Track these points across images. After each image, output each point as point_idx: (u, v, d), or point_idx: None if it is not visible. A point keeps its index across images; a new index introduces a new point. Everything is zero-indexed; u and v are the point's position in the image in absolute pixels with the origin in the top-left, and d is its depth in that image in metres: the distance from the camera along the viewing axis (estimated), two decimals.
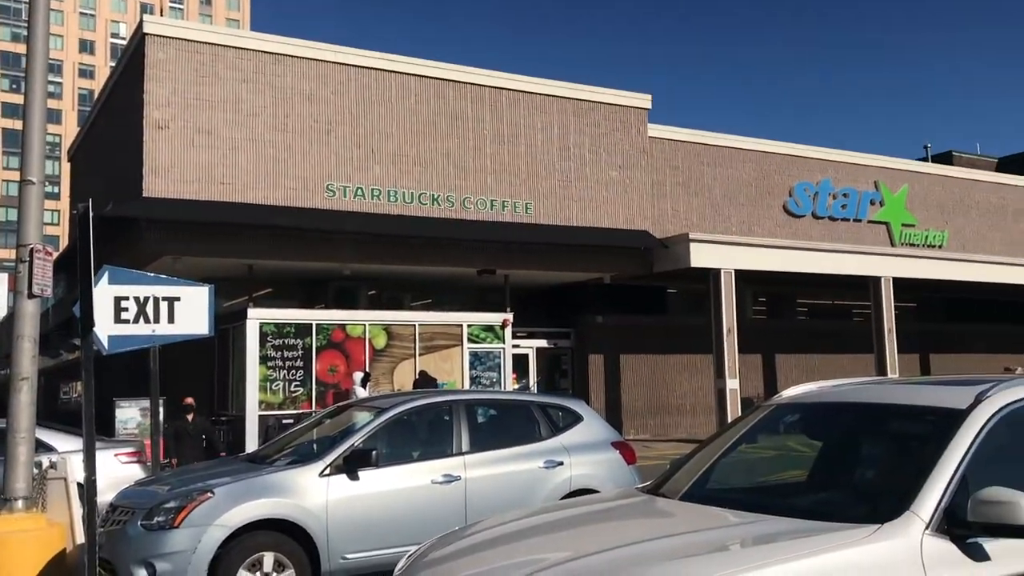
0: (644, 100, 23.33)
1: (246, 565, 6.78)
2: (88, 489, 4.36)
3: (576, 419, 8.82)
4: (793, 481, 5.11)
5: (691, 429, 24.62)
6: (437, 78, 20.34)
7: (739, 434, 4.89)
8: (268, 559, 6.87)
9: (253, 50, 18.38)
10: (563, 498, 7.80)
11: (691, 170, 24.49)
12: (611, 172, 22.40)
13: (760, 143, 25.90)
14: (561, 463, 8.29)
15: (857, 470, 4.66)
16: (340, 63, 19.22)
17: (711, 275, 21.87)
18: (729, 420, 19.12)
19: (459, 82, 20.61)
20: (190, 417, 12.84)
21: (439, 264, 19.74)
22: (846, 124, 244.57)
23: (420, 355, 20.03)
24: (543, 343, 24.07)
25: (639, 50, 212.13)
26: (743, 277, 22.60)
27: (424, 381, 16.92)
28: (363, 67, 19.48)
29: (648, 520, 4.39)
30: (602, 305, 24.25)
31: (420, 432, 8.51)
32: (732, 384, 21.53)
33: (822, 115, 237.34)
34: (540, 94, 21.65)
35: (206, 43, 17.91)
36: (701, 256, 21.44)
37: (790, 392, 4.99)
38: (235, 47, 18.27)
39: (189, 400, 12.52)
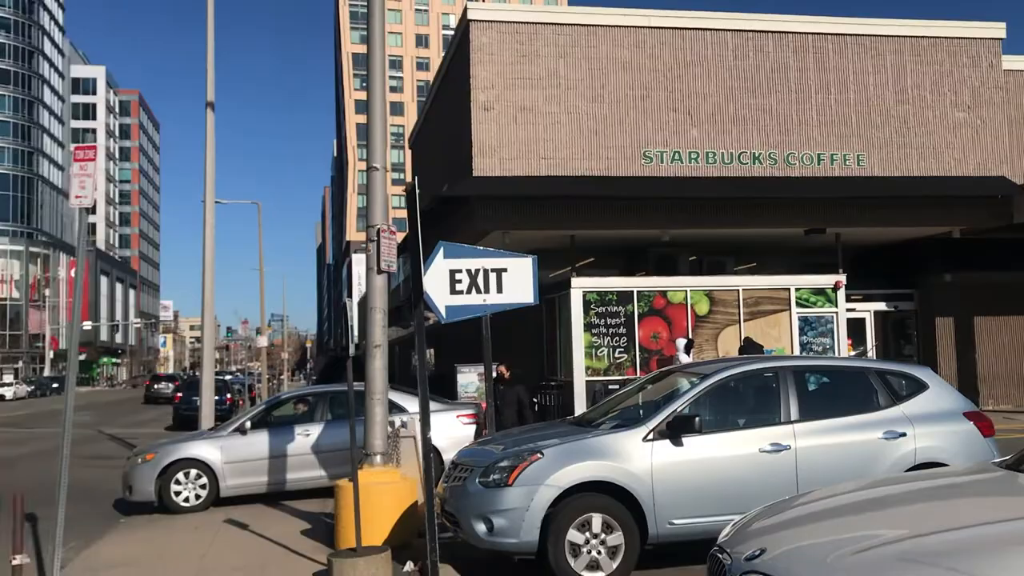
0: (997, 29, 20.64)
1: (575, 525, 6.98)
2: (423, 446, 4.68)
3: (920, 387, 8.06)
4: None
5: None
6: (756, 31, 19.51)
7: None
8: (596, 520, 7.03)
9: (569, 24, 18.81)
10: (906, 471, 7.18)
11: None
12: (957, 113, 20.13)
13: None
14: (904, 434, 7.62)
15: None
16: (654, 27, 19.09)
17: None
18: None
19: (779, 32, 19.61)
20: (505, 385, 13.26)
21: (763, 226, 18.99)
22: None
23: (745, 321, 19.46)
24: (881, 306, 22.34)
25: None
26: None
27: (750, 347, 16.40)
28: (678, 28, 19.19)
29: (1006, 499, 3.87)
30: (950, 262, 21.96)
31: (745, 399, 8.24)
32: None
33: None
34: (870, 35, 19.97)
35: (525, 23, 18.63)
36: None
37: None
38: (552, 23, 18.81)
39: (501, 368, 12.93)
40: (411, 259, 5.36)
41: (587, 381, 18.53)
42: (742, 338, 18.47)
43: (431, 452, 5.53)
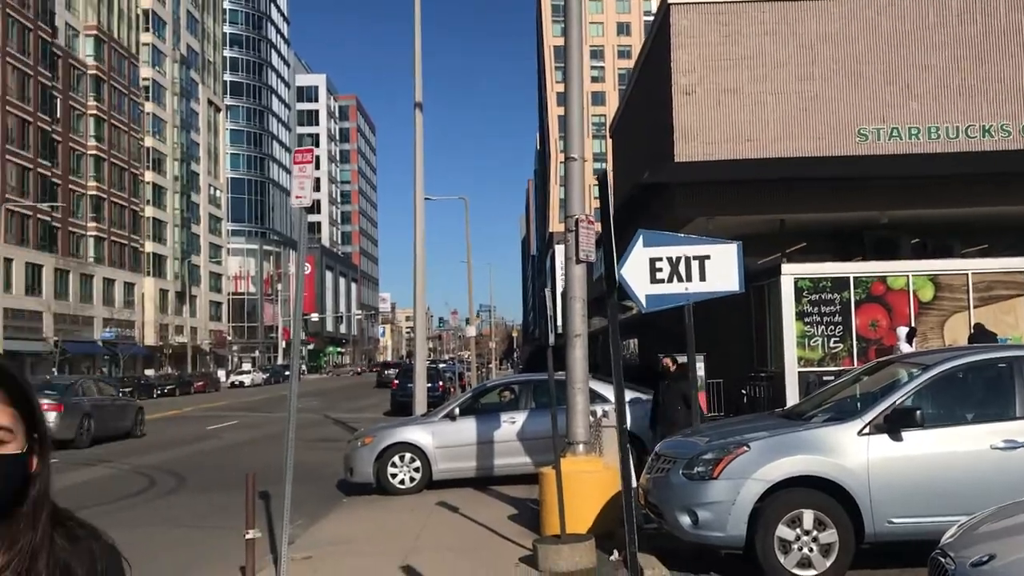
0: None
1: (785, 520, 6.71)
2: (620, 436, 4.65)
3: None
4: None
5: None
6: None
7: None
8: (808, 517, 6.72)
9: (774, 1, 18.05)
10: None
11: None
12: None
13: None
14: None
15: None
16: None
17: None
18: None
19: None
20: (671, 379, 12.18)
21: (996, 204, 17.42)
22: None
23: (975, 307, 17.93)
24: None
25: None
26: None
27: (981, 335, 15.09)
28: None
29: None
30: None
31: (973, 391, 7.59)
32: None
33: None
34: None
35: (727, 2, 18.06)
36: None
37: None
38: (756, 1, 18.12)
39: (667, 361, 12.09)
40: (603, 248, 5.31)
41: (799, 372, 17.75)
42: (972, 326, 17.03)
43: (627, 441, 5.48)
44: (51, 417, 22.74)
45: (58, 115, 62.86)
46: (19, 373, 1.32)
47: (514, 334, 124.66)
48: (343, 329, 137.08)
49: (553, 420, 7.77)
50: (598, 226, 8.01)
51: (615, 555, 7.38)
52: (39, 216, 59.42)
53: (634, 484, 8.70)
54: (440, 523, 10.01)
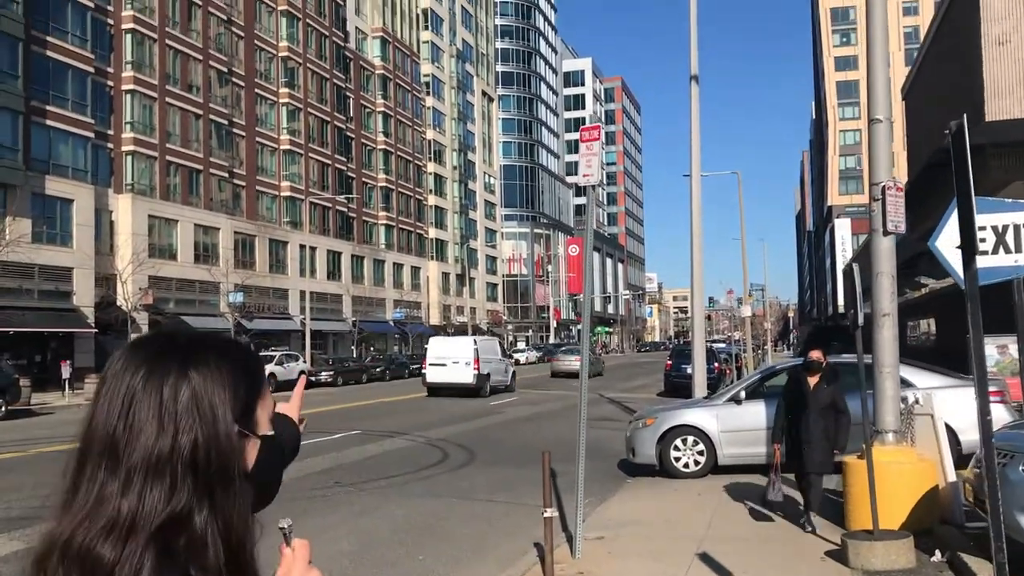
0: None
1: None
2: (983, 430, 4.09)
3: None
4: None
5: None
6: None
7: None
8: None
9: None
10: None
11: None
12: None
13: None
14: None
15: None
16: None
17: None
18: None
19: None
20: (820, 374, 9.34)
21: None
22: None
23: None
24: None
25: None
26: None
27: None
28: None
29: None
30: None
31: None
32: None
33: None
34: None
35: None
36: None
37: None
38: None
39: (816, 354, 8.74)
40: (960, 209, 4.70)
41: None
42: None
43: (991, 436, 4.83)
44: None
45: (351, 114, 68.45)
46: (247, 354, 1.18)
47: (790, 314, 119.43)
48: (611, 309, 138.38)
49: (863, 406, 7.15)
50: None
51: (937, 555, 6.68)
52: (337, 208, 65.08)
53: (952, 478, 7.86)
54: (730, 510, 9.64)
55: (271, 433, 1.14)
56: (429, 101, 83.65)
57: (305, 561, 1.14)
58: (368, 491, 11.53)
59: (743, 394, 12.26)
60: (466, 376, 29.64)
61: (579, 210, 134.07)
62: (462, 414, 23.32)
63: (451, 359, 30.04)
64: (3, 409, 24.36)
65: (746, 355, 37.65)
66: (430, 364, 30.65)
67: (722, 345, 48.20)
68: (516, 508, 10.17)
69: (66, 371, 32.45)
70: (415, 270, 78.80)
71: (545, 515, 6.79)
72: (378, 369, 45.86)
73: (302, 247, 56.91)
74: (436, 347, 31.23)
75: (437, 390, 29.93)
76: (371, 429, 19.13)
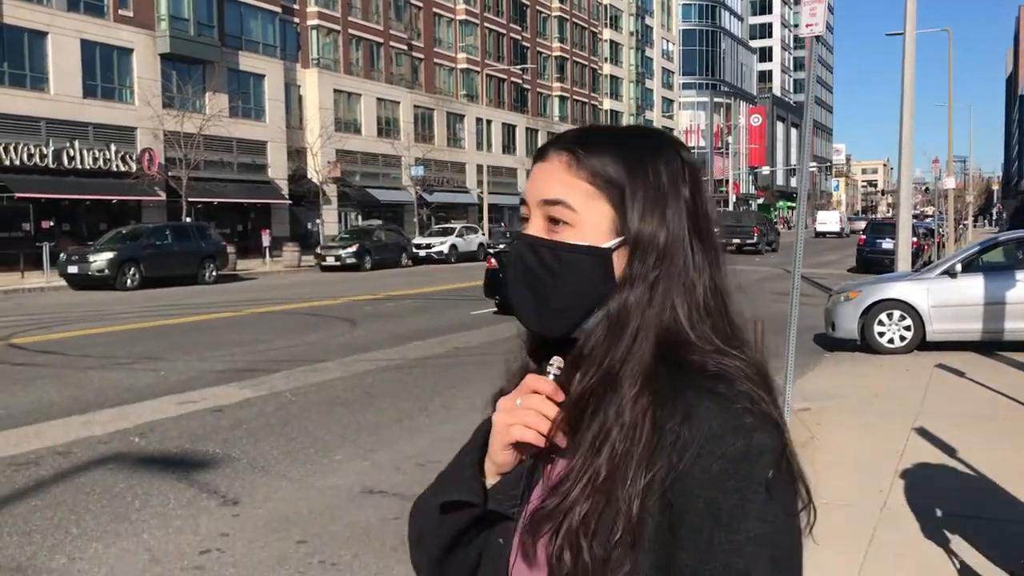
0: None
1: None
2: None
3: None
4: None
5: None
6: None
7: None
8: None
9: None
10: None
11: None
12: None
13: None
14: None
15: None
16: None
17: None
18: None
19: None
20: None
21: None
22: None
23: None
24: None
25: None
26: None
27: None
28: None
29: None
30: None
31: None
32: None
33: None
34: None
35: None
36: None
37: None
38: None
39: None
40: None
41: None
42: None
43: None
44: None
45: None
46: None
47: (993, 187, 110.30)
48: (793, 183, 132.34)
49: None
50: None
51: None
52: (512, 79, 64.60)
53: None
54: (944, 387, 9.11)
55: None
56: None
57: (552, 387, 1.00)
58: None
59: (959, 267, 11.41)
60: None
61: (762, 76, 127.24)
62: None
63: None
64: (214, 274, 26.37)
65: (946, 230, 35.20)
66: None
67: (921, 220, 45.21)
68: None
69: (266, 239, 34.65)
70: None
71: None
72: None
73: (478, 120, 57.26)
74: None
75: None
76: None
